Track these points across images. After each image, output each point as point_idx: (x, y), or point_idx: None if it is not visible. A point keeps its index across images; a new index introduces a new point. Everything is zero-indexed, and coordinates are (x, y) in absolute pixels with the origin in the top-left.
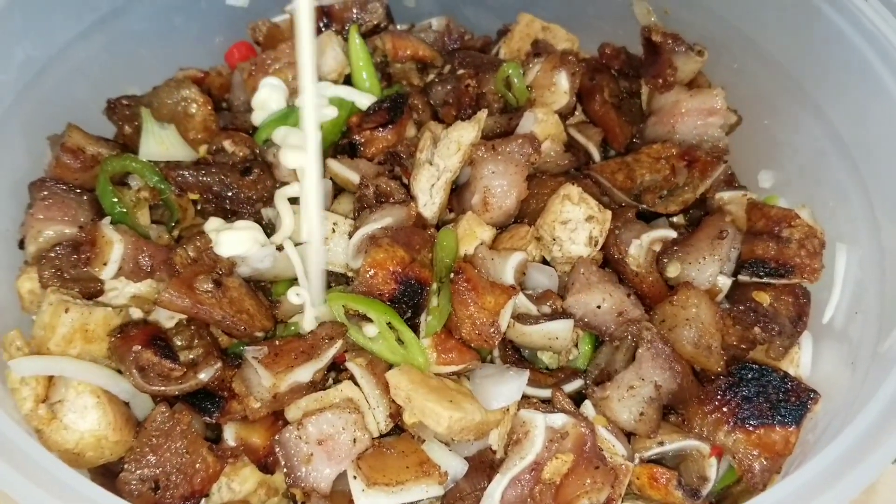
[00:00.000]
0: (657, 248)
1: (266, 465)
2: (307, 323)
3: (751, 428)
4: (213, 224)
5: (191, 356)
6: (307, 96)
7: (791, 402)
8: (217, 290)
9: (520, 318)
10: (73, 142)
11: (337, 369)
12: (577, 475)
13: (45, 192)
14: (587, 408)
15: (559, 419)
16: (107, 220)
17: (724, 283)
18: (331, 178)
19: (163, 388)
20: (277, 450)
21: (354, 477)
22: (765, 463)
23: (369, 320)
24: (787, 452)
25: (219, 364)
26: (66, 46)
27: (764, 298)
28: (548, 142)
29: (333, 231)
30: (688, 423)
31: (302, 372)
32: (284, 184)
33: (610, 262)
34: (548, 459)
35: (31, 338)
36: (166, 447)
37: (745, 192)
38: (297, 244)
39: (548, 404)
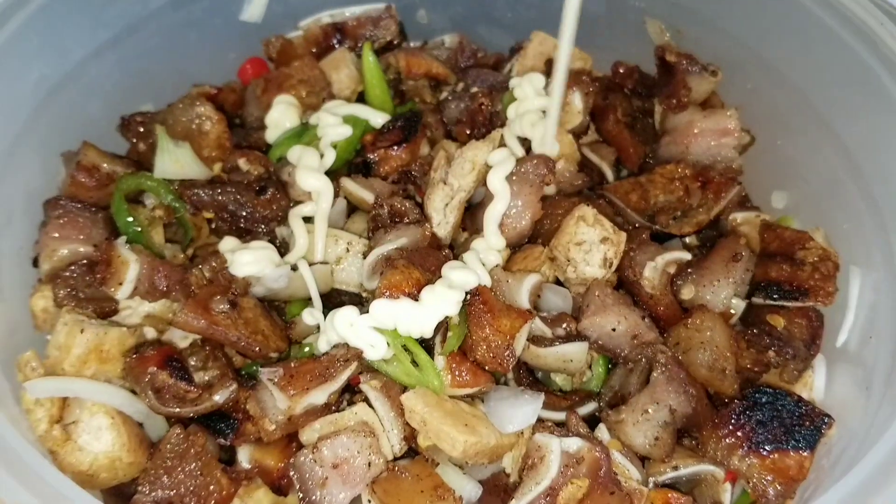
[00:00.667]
0: (672, 270)
1: (280, 487)
2: (322, 344)
3: (765, 452)
4: (228, 244)
5: (206, 377)
6: None
7: (805, 426)
8: (232, 310)
9: (534, 340)
10: (88, 160)
11: (351, 391)
12: (593, 501)
13: (60, 211)
14: (601, 431)
15: (574, 444)
16: (122, 239)
17: (738, 305)
18: (345, 197)
19: (178, 409)
20: (292, 473)
21: (369, 501)
22: (779, 488)
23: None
24: (802, 477)
25: (234, 385)
26: (80, 64)
27: (778, 321)
28: (561, 161)
29: (347, 251)
30: (702, 447)
31: (317, 394)
32: (299, 203)
33: (624, 284)
34: (563, 485)
35: (45, 357)
36: (180, 469)
37: (758, 213)
38: (311, 264)
39: (562, 427)
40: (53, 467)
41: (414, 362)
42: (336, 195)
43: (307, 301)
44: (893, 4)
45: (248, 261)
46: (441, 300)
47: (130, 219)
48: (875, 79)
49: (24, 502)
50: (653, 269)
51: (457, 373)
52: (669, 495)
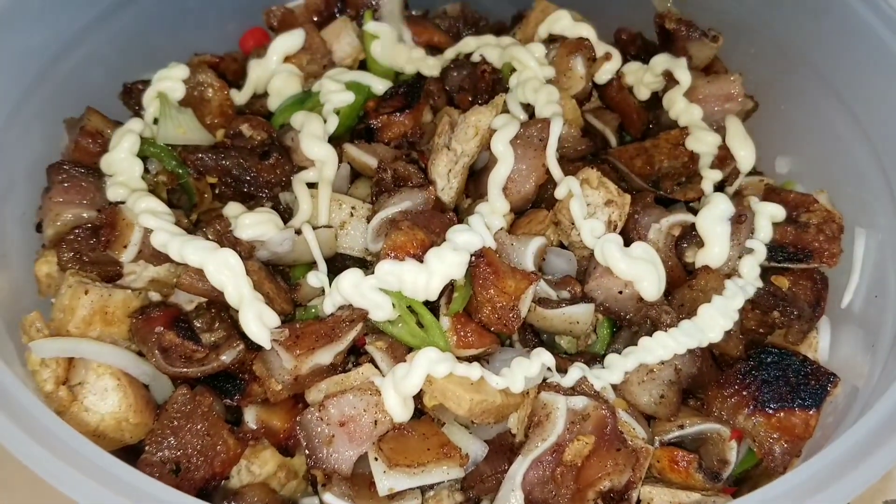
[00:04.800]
0: (676, 232)
1: (286, 447)
2: (327, 306)
3: (771, 411)
4: (232, 209)
5: (212, 339)
6: None
7: (811, 385)
8: None
9: (541, 302)
10: (92, 125)
11: (357, 353)
12: (599, 457)
13: (63, 175)
14: (607, 391)
15: (580, 401)
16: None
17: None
18: (348, 163)
19: (185, 369)
20: (299, 431)
21: (376, 458)
22: (785, 446)
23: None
24: (807, 436)
25: (241, 346)
26: (82, 31)
27: (783, 283)
28: (565, 127)
29: (351, 215)
30: (707, 407)
31: (323, 354)
32: (302, 168)
33: None
34: (569, 441)
35: (50, 320)
36: (187, 429)
37: (762, 178)
38: (315, 228)
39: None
40: (62, 421)
41: (419, 323)
42: (339, 161)
43: (311, 265)
44: None
45: (253, 223)
46: (446, 263)
47: None
48: (878, 40)
49: (35, 454)
50: (657, 232)
51: (462, 334)
52: (675, 453)
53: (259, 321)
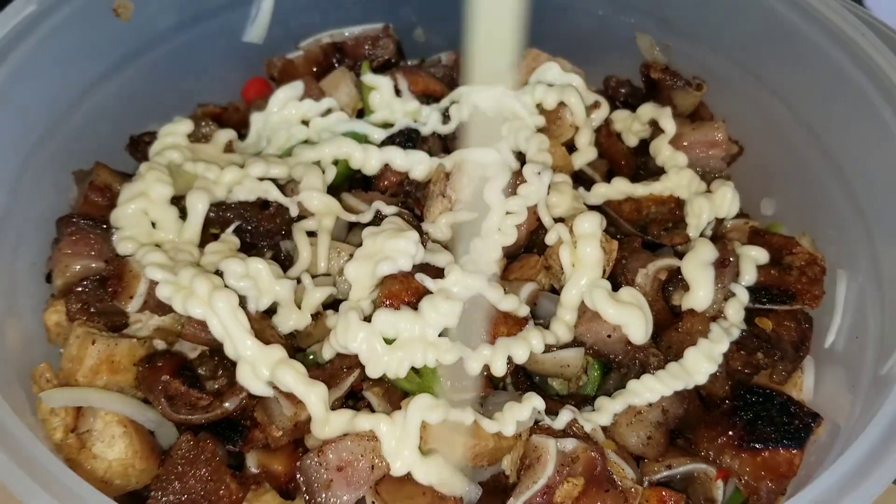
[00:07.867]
0: (663, 276)
1: (287, 491)
2: (326, 353)
3: (756, 451)
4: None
5: (215, 386)
6: None
7: (795, 425)
8: None
9: None
10: (101, 180)
11: (355, 397)
12: (589, 498)
13: (73, 228)
14: (597, 433)
15: (570, 444)
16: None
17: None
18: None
19: (190, 416)
20: (298, 476)
21: (373, 502)
22: (770, 485)
23: None
24: (792, 474)
25: (244, 393)
26: (89, 86)
27: (767, 324)
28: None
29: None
30: (695, 447)
31: None
32: (302, 217)
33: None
34: (559, 483)
35: (59, 370)
36: (191, 474)
37: (747, 220)
38: (314, 276)
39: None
40: (70, 470)
41: (414, 369)
42: None
43: None
44: (874, 15)
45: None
46: (440, 312)
47: None
48: (857, 88)
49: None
50: (644, 276)
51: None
52: (663, 493)
53: (255, 376)
